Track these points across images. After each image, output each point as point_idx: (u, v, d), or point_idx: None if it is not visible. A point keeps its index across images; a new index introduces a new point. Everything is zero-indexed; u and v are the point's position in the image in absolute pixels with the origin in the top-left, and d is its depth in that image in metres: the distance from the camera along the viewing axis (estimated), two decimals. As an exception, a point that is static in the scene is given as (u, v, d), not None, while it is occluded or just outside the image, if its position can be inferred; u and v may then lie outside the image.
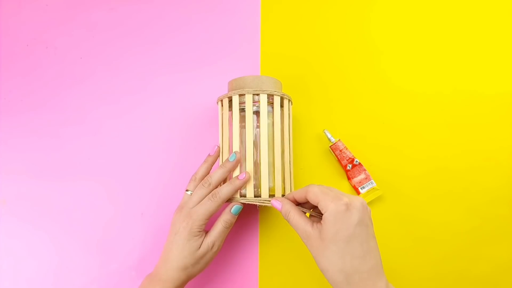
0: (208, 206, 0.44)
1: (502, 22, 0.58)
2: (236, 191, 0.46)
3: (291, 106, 0.51)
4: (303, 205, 0.44)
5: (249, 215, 0.56)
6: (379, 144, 0.57)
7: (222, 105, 0.49)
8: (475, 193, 0.55)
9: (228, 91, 0.50)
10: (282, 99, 0.49)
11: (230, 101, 0.48)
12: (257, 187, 0.48)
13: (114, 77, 0.61)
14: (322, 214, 0.38)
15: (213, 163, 0.50)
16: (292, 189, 0.49)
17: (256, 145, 0.49)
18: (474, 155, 0.56)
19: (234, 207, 0.46)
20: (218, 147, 0.49)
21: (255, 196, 0.46)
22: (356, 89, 0.58)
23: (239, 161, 0.47)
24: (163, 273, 0.44)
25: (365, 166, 0.55)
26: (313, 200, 0.39)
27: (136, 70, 0.61)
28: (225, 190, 0.45)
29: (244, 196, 0.47)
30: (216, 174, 0.46)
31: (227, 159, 0.47)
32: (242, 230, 0.56)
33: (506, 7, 0.59)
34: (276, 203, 0.43)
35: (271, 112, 0.49)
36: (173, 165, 0.58)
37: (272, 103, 0.48)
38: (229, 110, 0.49)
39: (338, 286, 0.36)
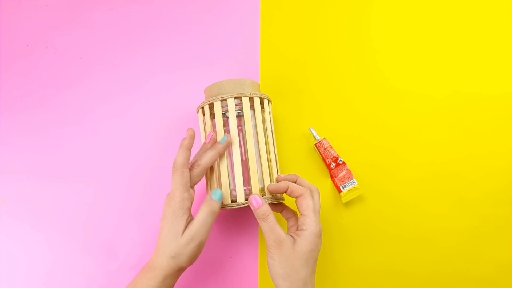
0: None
1: (501, 22, 0.58)
2: (218, 156, 0.46)
3: (271, 106, 0.51)
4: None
5: (249, 216, 0.56)
6: (382, 143, 0.57)
7: (203, 113, 0.49)
8: (475, 194, 0.55)
9: (206, 98, 0.49)
10: (261, 99, 0.49)
11: (210, 108, 0.48)
12: (249, 191, 0.48)
13: (114, 77, 0.61)
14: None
15: (191, 147, 0.47)
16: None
17: (242, 147, 0.49)
18: (473, 155, 0.56)
19: (214, 192, 0.45)
20: (213, 134, 0.48)
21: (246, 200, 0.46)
22: (356, 89, 0.58)
23: (230, 143, 0.47)
24: (154, 260, 0.44)
25: (365, 166, 0.56)
26: (301, 205, 0.44)
27: (136, 70, 0.61)
28: (207, 157, 0.45)
29: (235, 201, 0.46)
30: (207, 157, 0.45)
31: (218, 142, 0.47)
32: (242, 231, 0.56)
33: (505, 7, 0.59)
34: (255, 200, 0.44)
35: (253, 115, 0.49)
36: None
37: (253, 105, 0.48)
38: (211, 118, 0.49)
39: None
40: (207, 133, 0.48)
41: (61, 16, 0.63)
